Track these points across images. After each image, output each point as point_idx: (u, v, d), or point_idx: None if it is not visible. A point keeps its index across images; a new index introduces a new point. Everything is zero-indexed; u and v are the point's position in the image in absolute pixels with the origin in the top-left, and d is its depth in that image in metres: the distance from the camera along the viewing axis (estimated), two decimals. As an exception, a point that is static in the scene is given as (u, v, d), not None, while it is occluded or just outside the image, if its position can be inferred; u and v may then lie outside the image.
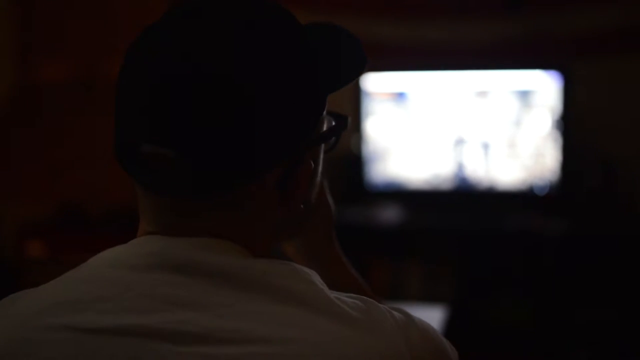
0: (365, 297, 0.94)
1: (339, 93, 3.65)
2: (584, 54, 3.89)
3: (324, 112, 1.02)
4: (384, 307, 0.94)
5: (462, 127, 3.83)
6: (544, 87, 3.72)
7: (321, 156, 1.06)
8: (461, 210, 3.87)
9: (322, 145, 1.05)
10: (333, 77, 1.04)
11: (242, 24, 0.92)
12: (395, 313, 0.94)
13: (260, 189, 0.94)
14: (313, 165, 1.00)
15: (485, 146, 3.81)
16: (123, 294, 0.88)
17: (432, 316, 2.14)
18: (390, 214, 3.89)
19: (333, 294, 0.92)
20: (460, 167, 3.86)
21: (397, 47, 4.04)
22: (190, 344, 0.84)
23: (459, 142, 3.84)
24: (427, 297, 3.82)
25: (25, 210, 4.21)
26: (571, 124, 3.74)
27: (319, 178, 1.08)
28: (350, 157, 3.99)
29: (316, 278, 0.93)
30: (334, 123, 1.07)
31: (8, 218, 4.25)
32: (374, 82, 3.89)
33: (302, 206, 1.00)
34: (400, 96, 3.88)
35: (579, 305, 3.71)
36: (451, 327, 2.31)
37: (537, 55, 3.92)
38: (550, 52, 3.92)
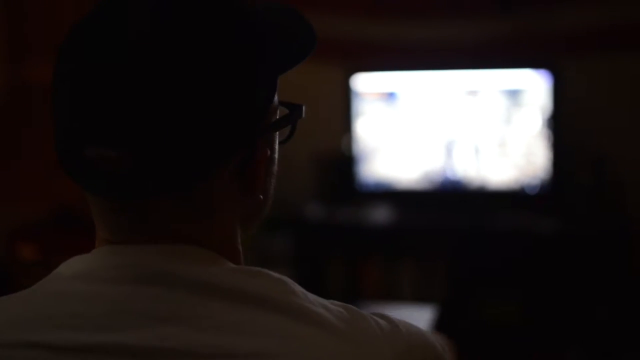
0: (349, 306, 0.91)
1: (330, 93, 3.64)
2: (573, 52, 3.90)
3: (275, 99, 0.97)
4: (368, 315, 0.92)
5: (452, 126, 3.84)
6: (534, 86, 3.74)
7: (276, 145, 1.00)
8: (452, 209, 3.88)
9: (277, 135, 1.00)
10: (282, 58, 0.98)
11: (177, 11, 0.87)
12: (380, 321, 0.92)
13: (218, 182, 0.90)
14: (269, 152, 0.96)
15: (476, 145, 3.82)
16: (98, 309, 0.85)
17: (422, 316, 2.16)
18: (381, 214, 3.90)
19: (317, 300, 0.89)
20: (451, 166, 3.87)
21: (387, 46, 4.05)
22: None
23: (450, 141, 3.85)
24: (419, 297, 3.83)
25: (18, 213, 4.20)
26: (561, 123, 3.75)
27: (276, 167, 1.01)
28: (340, 157, 4.00)
29: (296, 286, 0.90)
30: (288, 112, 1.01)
31: (0, 220, 4.25)
32: (364, 82, 3.90)
33: (260, 196, 0.97)
34: (390, 96, 3.89)
35: (570, 304, 3.72)
36: (443, 326, 2.32)
37: (526, 54, 3.93)
38: (540, 51, 3.93)
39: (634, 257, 3.72)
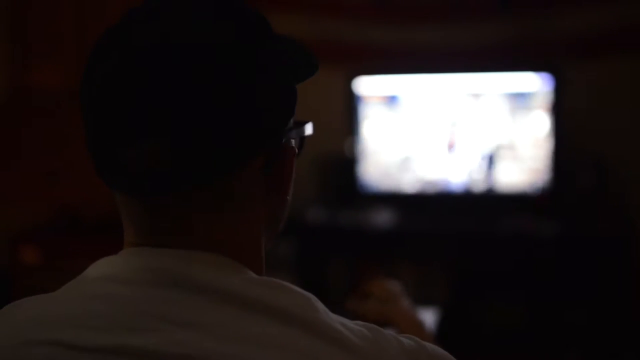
0: (372, 325, 0.91)
1: (332, 96, 3.65)
2: (575, 55, 3.90)
3: (295, 107, 0.98)
4: (392, 335, 0.92)
5: (454, 129, 3.84)
6: (536, 89, 3.74)
7: (296, 152, 1.01)
8: (454, 212, 3.88)
9: (295, 144, 1.01)
10: (297, 71, 1.00)
11: (212, 20, 0.91)
12: (404, 340, 0.92)
13: (246, 178, 0.92)
14: (295, 154, 0.99)
15: (478, 149, 3.82)
16: (120, 310, 0.86)
17: (424, 318, 2.15)
18: (383, 217, 3.90)
19: (338, 319, 0.90)
20: (453, 169, 3.87)
21: (390, 50, 4.05)
22: None
23: (451, 144, 3.85)
24: (421, 300, 3.81)
25: (20, 216, 4.21)
26: (563, 126, 3.75)
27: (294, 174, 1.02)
28: (343, 160, 4.01)
29: (319, 303, 0.90)
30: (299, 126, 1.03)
31: (3, 223, 4.26)
32: (366, 85, 3.90)
33: (288, 197, 1.00)
34: (393, 99, 3.89)
35: (572, 307, 3.72)
36: (445, 329, 2.33)
37: (528, 57, 3.93)
38: (541, 54, 3.93)
39: (635, 260, 3.72)
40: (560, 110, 3.73)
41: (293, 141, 1.00)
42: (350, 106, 3.92)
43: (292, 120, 0.98)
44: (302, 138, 1.03)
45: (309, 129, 1.04)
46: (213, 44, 0.89)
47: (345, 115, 3.95)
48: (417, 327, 1.43)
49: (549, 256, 3.74)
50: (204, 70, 0.87)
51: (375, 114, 3.91)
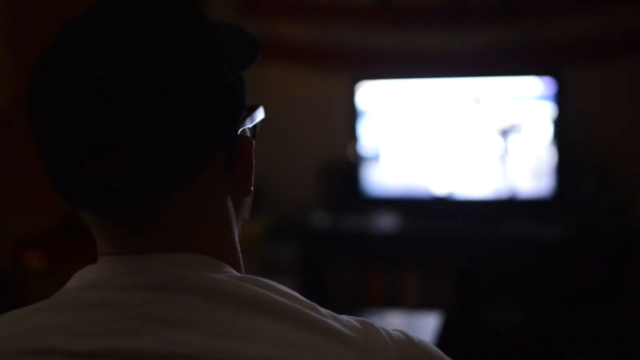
0: (362, 319, 0.92)
1: (335, 101, 3.66)
2: (577, 60, 3.90)
3: (245, 101, 0.98)
4: (382, 328, 0.92)
5: (457, 134, 3.85)
6: (539, 94, 3.74)
7: (253, 144, 1.01)
8: (457, 217, 3.88)
9: (250, 133, 1.02)
10: (242, 60, 1.00)
11: (153, 25, 0.91)
12: (393, 333, 0.93)
13: (210, 177, 0.93)
14: (251, 146, 0.98)
15: (481, 153, 3.82)
16: (111, 316, 0.87)
17: (428, 323, 2.16)
18: (386, 222, 3.91)
19: (327, 312, 0.90)
20: (456, 174, 3.87)
21: (393, 55, 4.06)
22: None
23: (454, 149, 3.85)
24: (425, 304, 3.84)
25: (24, 222, 4.22)
26: (565, 130, 3.76)
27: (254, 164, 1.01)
28: (346, 165, 4.01)
29: (304, 299, 0.91)
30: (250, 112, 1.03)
31: (7, 229, 4.26)
32: (369, 90, 3.91)
33: (251, 188, 0.99)
34: (395, 104, 3.90)
35: (575, 311, 3.72)
36: (448, 333, 2.33)
37: (531, 62, 3.94)
38: (544, 58, 3.94)
39: (637, 263, 3.72)
40: (563, 115, 3.73)
41: (248, 130, 1.00)
42: (353, 111, 3.93)
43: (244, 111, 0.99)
44: (255, 125, 1.04)
45: (260, 114, 1.04)
46: (156, 54, 0.88)
47: (349, 120, 3.95)
48: None
49: (552, 261, 3.75)
50: (153, 82, 0.86)
51: (378, 118, 3.91)
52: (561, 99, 3.73)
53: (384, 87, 3.93)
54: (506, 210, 3.85)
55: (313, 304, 0.91)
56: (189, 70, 0.89)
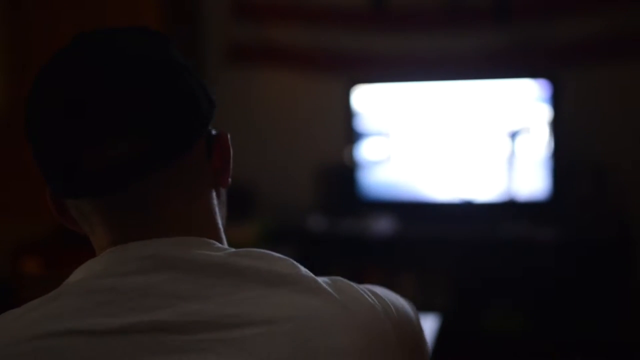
0: (336, 278, 1.02)
1: (331, 105, 3.66)
2: (573, 62, 3.91)
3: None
4: (356, 285, 1.02)
5: (453, 137, 3.85)
6: (535, 96, 3.75)
7: (229, 144, 1.12)
8: (454, 220, 3.88)
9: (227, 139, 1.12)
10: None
11: (146, 39, 1.04)
12: (365, 288, 1.03)
13: (196, 161, 1.03)
14: (226, 140, 1.09)
15: (476, 155, 3.83)
16: (125, 296, 0.93)
17: (426, 325, 2.16)
18: (383, 225, 3.91)
19: (312, 277, 1.00)
20: (452, 176, 3.88)
21: (388, 58, 4.06)
22: (198, 333, 0.91)
23: (450, 152, 3.86)
24: (421, 306, 3.82)
25: (22, 228, 4.22)
26: (561, 132, 3.76)
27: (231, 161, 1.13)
28: (342, 169, 4.02)
29: (296, 263, 1.00)
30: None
31: (4, 235, 4.26)
32: (365, 94, 3.92)
33: (229, 179, 1.10)
34: (391, 107, 3.90)
35: (572, 312, 3.73)
36: (445, 335, 2.33)
37: (526, 64, 3.94)
38: (539, 61, 3.94)
39: (634, 265, 3.73)
40: (559, 117, 3.74)
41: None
42: (349, 114, 3.93)
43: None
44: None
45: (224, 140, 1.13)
46: (155, 55, 1.01)
47: (345, 123, 3.96)
48: None
49: (549, 263, 3.75)
50: (154, 75, 0.99)
51: (374, 122, 3.92)
52: (557, 101, 3.73)
53: (380, 90, 3.93)
54: (503, 212, 3.86)
55: (305, 269, 1.00)
56: (164, 65, 1.01)
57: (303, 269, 1.00)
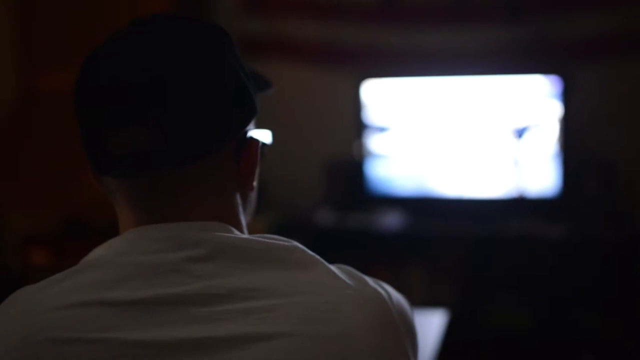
0: (343, 265, 1.10)
1: (340, 99, 3.65)
2: (584, 59, 3.90)
3: (258, 111, 1.14)
4: (359, 273, 1.09)
5: (462, 132, 3.84)
6: (544, 92, 3.74)
7: (259, 156, 1.14)
8: (462, 215, 3.88)
9: (260, 147, 1.14)
10: (258, 84, 1.18)
11: (193, 32, 1.07)
12: (368, 277, 1.10)
13: (223, 160, 1.07)
14: (257, 149, 1.12)
15: (485, 151, 3.82)
16: (149, 272, 0.98)
17: (433, 321, 2.15)
18: (391, 220, 3.90)
19: (327, 266, 1.07)
20: (462, 172, 3.87)
21: (398, 53, 4.06)
22: (218, 305, 0.96)
23: (460, 147, 3.85)
24: (428, 302, 3.83)
25: (28, 220, 4.22)
26: (571, 129, 3.75)
27: (258, 171, 1.16)
28: (351, 163, 4.01)
29: (306, 248, 1.07)
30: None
31: (12, 227, 4.27)
32: (374, 88, 3.91)
33: (254, 184, 1.13)
34: (401, 102, 3.90)
35: (579, 310, 3.72)
36: (452, 331, 2.32)
37: (537, 60, 3.93)
38: (550, 57, 3.93)
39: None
40: (569, 114, 3.73)
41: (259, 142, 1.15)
42: (358, 109, 3.93)
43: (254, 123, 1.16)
44: (263, 145, 1.18)
45: (268, 137, 1.20)
46: (203, 53, 1.04)
47: (354, 118, 3.95)
48: None
49: (557, 260, 3.74)
50: (191, 70, 1.02)
51: (383, 117, 3.91)
52: (567, 97, 3.72)
53: (390, 85, 3.93)
54: (511, 209, 3.85)
55: (313, 255, 1.08)
56: (206, 64, 1.03)
57: (313, 254, 1.07)
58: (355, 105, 3.93)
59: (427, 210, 3.95)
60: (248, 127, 1.11)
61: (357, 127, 3.94)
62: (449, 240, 3.91)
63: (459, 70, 3.90)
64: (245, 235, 1.06)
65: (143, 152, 1.00)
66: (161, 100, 0.99)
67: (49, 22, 4.08)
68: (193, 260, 0.99)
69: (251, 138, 1.11)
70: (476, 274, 3.88)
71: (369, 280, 1.08)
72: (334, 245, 3.97)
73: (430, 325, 2.09)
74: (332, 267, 1.06)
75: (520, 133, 3.77)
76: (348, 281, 1.03)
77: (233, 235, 1.04)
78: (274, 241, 1.04)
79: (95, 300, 0.95)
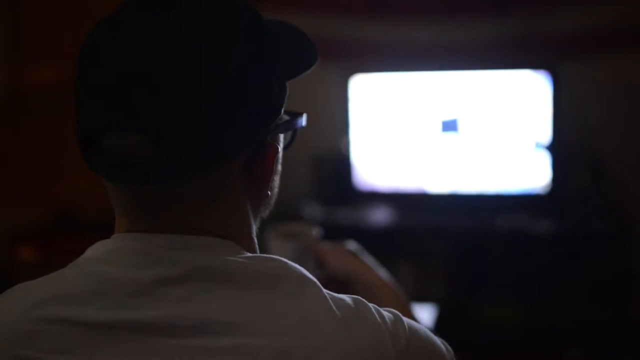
0: (356, 297, 0.96)
1: (328, 94, 3.65)
2: (573, 54, 3.90)
3: (285, 100, 1.01)
4: (374, 306, 0.96)
5: (451, 127, 3.84)
6: (534, 88, 3.74)
7: (281, 147, 1.06)
8: (451, 211, 3.88)
9: (282, 137, 1.06)
10: (291, 66, 1.04)
11: (202, 17, 0.93)
12: (384, 312, 0.96)
13: (229, 174, 0.96)
14: (277, 151, 1.02)
15: (475, 146, 3.82)
16: (120, 289, 0.91)
17: (423, 315, 2.16)
18: (379, 215, 3.90)
19: (324, 292, 0.95)
20: (450, 167, 3.87)
21: (386, 48, 4.05)
22: (183, 337, 0.89)
23: (448, 142, 3.85)
24: (418, 297, 3.83)
25: (17, 216, 4.21)
26: (560, 124, 3.75)
27: (280, 167, 1.09)
28: (339, 158, 4.01)
29: (305, 272, 0.96)
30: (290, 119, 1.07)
31: (1, 223, 4.25)
32: (362, 83, 3.90)
33: (268, 192, 1.03)
34: (389, 97, 3.89)
35: (568, 305, 3.73)
36: (441, 326, 2.33)
37: (526, 55, 3.93)
38: (539, 52, 3.93)
39: (631, 258, 3.73)
40: (558, 109, 3.73)
41: (282, 136, 1.05)
42: (346, 104, 3.92)
43: (282, 115, 1.02)
44: (295, 130, 1.08)
45: (302, 121, 1.08)
46: (202, 42, 0.91)
47: (342, 113, 3.94)
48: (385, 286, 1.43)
49: (546, 255, 3.75)
50: (192, 70, 0.89)
51: (371, 111, 3.91)
52: (556, 92, 3.72)
53: (378, 80, 3.92)
54: (500, 204, 3.85)
55: (314, 279, 0.96)
56: (223, 62, 0.91)
57: (312, 279, 0.96)
58: (344, 100, 3.93)
59: (416, 205, 3.95)
60: (267, 131, 0.98)
61: (345, 122, 3.94)
62: (438, 235, 3.91)
63: (447, 65, 3.89)
64: (236, 257, 0.95)
65: (138, 162, 0.90)
66: (164, 105, 0.88)
67: (36, 18, 4.07)
68: (166, 281, 0.91)
69: (268, 144, 0.99)
70: (465, 270, 3.88)
71: (376, 316, 0.95)
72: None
73: (419, 321, 2.10)
74: (330, 300, 0.94)
75: (508, 128, 3.76)
76: (341, 318, 0.92)
77: (218, 254, 0.94)
78: (268, 264, 0.95)
79: (62, 317, 0.91)
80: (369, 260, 1.49)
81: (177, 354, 0.89)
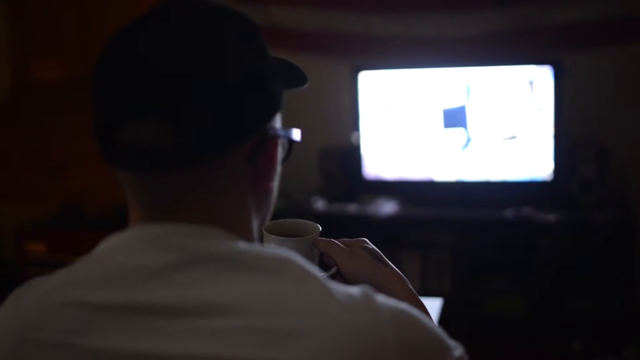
0: (363, 286, 0.99)
1: (337, 88, 3.65)
2: (574, 46, 3.90)
3: (281, 108, 1.08)
4: (382, 295, 0.99)
5: (457, 120, 3.84)
6: (538, 80, 3.74)
7: (279, 152, 1.10)
8: (457, 202, 3.89)
9: (280, 146, 1.10)
10: (286, 76, 1.15)
11: (215, 20, 1.03)
12: (391, 302, 0.99)
13: (235, 164, 1.01)
14: (277, 149, 1.07)
15: (481, 138, 3.82)
16: (130, 274, 0.95)
17: (428, 307, 2.16)
18: (387, 206, 3.91)
19: (327, 282, 0.97)
20: (457, 159, 3.87)
21: (391, 43, 4.06)
22: (186, 319, 0.92)
23: (455, 134, 3.85)
24: (424, 288, 3.85)
25: (24, 211, 4.22)
26: (564, 116, 3.76)
27: (279, 169, 1.12)
28: (347, 151, 4.02)
29: (304, 261, 0.99)
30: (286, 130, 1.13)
31: (7, 218, 4.27)
32: (371, 78, 3.91)
33: (271, 185, 1.08)
34: (396, 91, 3.90)
35: (574, 295, 3.73)
36: (447, 317, 2.33)
37: (529, 48, 3.93)
38: (542, 45, 3.93)
39: (636, 247, 3.73)
40: (561, 101, 3.73)
41: (280, 142, 1.09)
42: (355, 98, 3.93)
43: (278, 120, 1.09)
44: (291, 143, 1.14)
45: (297, 135, 1.13)
46: (217, 40, 0.99)
47: (351, 106, 3.95)
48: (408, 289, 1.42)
49: (552, 245, 3.75)
50: (205, 61, 0.96)
51: (379, 105, 3.91)
52: (560, 84, 3.72)
53: (385, 74, 3.93)
54: (505, 194, 3.86)
55: (315, 270, 0.99)
56: (229, 59, 0.99)
57: (310, 271, 0.97)
58: (352, 94, 3.94)
59: (423, 196, 3.96)
60: (268, 125, 1.04)
61: (354, 115, 3.95)
62: (444, 226, 3.92)
63: (452, 59, 3.90)
64: (240, 244, 0.99)
65: (150, 147, 0.94)
66: (177, 95, 0.94)
67: (43, 14, 4.07)
68: (175, 266, 0.95)
69: (270, 136, 1.05)
70: (471, 260, 3.89)
71: (381, 304, 0.97)
72: (329, 232, 3.97)
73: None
74: (335, 286, 0.97)
75: (513, 120, 3.76)
76: (345, 302, 0.94)
77: (224, 242, 0.98)
78: (266, 252, 0.98)
79: (72, 300, 0.95)
80: (389, 264, 1.46)
81: (179, 335, 0.92)
